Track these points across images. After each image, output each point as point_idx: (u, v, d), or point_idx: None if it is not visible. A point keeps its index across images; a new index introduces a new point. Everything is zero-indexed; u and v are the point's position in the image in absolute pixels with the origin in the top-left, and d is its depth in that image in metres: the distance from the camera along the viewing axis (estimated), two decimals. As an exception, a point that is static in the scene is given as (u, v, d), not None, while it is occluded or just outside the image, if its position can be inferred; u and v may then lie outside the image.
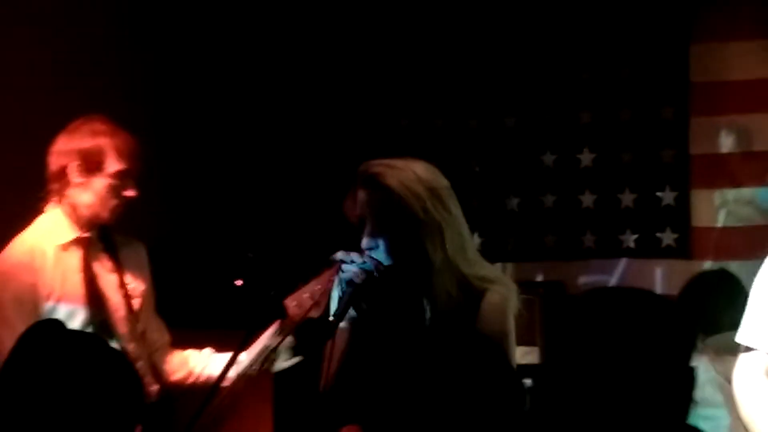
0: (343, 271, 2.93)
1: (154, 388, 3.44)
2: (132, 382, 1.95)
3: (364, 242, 2.88)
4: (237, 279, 3.95)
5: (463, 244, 2.90)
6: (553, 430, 1.81)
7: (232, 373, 3.29)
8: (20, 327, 2.95)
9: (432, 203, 2.85)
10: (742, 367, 2.80)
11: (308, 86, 4.98)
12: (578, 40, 4.76)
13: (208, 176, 4.95)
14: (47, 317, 3.17)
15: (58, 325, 2.01)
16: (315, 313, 3.06)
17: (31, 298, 3.37)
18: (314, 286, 3.05)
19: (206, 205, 4.95)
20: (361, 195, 2.88)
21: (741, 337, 2.75)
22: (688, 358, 1.79)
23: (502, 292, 2.84)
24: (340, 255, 2.94)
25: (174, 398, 3.47)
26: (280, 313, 3.41)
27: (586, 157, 4.71)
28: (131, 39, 4.77)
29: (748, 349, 2.75)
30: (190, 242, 4.66)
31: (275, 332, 3.30)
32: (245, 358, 3.38)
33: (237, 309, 3.68)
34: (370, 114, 4.99)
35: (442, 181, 2.91)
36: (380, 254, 2.88)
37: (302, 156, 5.02)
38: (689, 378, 1.79)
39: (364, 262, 2.88)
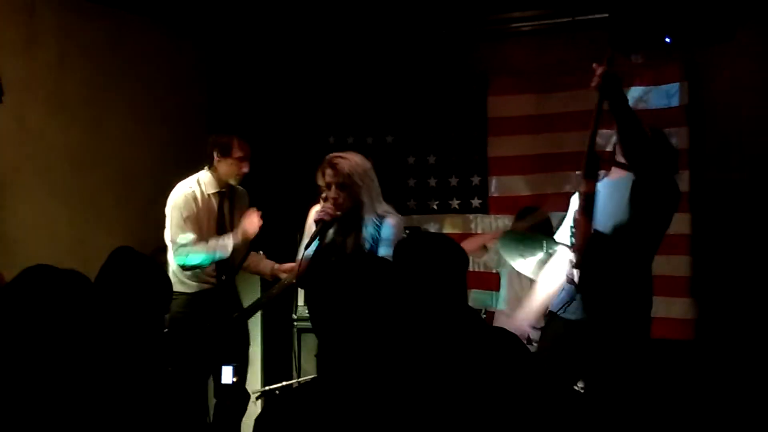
0: (320, 213, 4.01)
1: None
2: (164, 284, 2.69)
3: (331, 197, 3.99)
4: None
5: (378, 196, 4.06)
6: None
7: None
8: (194, 231, 4.37)
9: (364, 177, 4.01)
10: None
11: (284, 113, 6.46)
12: (431, 96, 6.24)
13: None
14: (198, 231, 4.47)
15: (129, 251, 2.74)
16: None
17: (197, 218, 4.54)
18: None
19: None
20: (328, 172, 4.01)
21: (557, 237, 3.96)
22: (466, 267, 2.54)
23: (393, 216, 4.08)
24: (318, 206, 4.07)
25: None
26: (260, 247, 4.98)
27: (432, 159, 6.28)
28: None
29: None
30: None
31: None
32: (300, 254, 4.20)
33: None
34: (314, 134, 6.44)
35: (368, 164, 4.08)
36: (339, 203, 3.99)
37: (286, 158, 6.36)
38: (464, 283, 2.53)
39: (332, 207, 3.98)
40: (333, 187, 4.00)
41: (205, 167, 4.70)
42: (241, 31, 6.27)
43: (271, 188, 6.09)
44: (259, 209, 4.69)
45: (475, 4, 5.82)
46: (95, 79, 5.52)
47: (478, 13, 5.89)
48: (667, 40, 5.15)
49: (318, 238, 4.01)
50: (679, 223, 5.43)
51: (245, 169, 4.67)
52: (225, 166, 4.67)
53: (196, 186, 4.67)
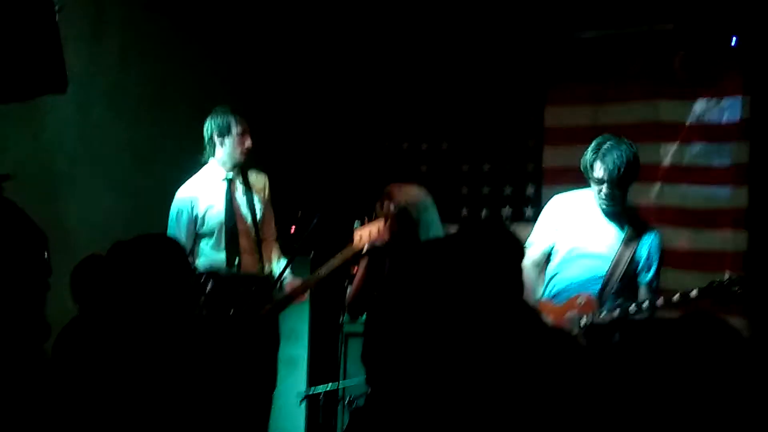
0: (375, 238, 3.93)
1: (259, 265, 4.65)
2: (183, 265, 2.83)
3: (387, 229, 3.88)
4: (291, 227, 5.67)
5: (437, 230, 3.90)
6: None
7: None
8: (185, 235, 4.43)
9: (421, 210, 3.89)
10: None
11: (347, 122, 6.55)
12: (487, 104, 6.25)
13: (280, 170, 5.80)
14: (207, 224, 4.54)
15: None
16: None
17: (193, 220, 4.59)
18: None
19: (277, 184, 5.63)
20: (386, 203, 3.91)
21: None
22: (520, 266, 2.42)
23: None
24: (360, 226, 4.02)
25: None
26: (311, 248, 5.33)
27: (486, 167, 6.29)
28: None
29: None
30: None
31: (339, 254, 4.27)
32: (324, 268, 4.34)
33: (291, 242, 5.38)
34: (370, 139, 6.52)
35: (427, 198, 3.95)
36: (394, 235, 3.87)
37: (339, 162, 6.45)
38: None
39: (387, 234, 3.89)
40: (389, 218, 3.91)
41: (206, 159, 4.65)
42: (299, 34, 6.34)
43: (327, 193, 6.13)
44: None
45: (535, 13, 5.85)
46: (158, 74, 5.56)
47: (538, 23, 5.91)
48: (734, 41, 5.07)
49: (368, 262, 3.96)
50: (736, 240, 5.42)
51: (249, 144, 4.59)
52: (228, 147, 4.61)
53: (195, 187, 4.60)
